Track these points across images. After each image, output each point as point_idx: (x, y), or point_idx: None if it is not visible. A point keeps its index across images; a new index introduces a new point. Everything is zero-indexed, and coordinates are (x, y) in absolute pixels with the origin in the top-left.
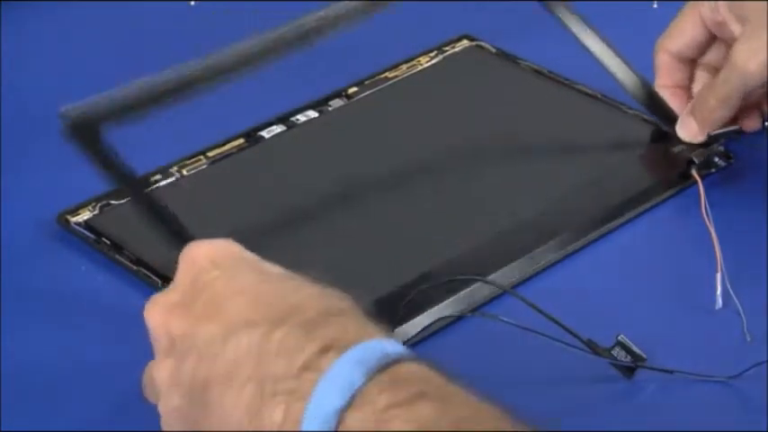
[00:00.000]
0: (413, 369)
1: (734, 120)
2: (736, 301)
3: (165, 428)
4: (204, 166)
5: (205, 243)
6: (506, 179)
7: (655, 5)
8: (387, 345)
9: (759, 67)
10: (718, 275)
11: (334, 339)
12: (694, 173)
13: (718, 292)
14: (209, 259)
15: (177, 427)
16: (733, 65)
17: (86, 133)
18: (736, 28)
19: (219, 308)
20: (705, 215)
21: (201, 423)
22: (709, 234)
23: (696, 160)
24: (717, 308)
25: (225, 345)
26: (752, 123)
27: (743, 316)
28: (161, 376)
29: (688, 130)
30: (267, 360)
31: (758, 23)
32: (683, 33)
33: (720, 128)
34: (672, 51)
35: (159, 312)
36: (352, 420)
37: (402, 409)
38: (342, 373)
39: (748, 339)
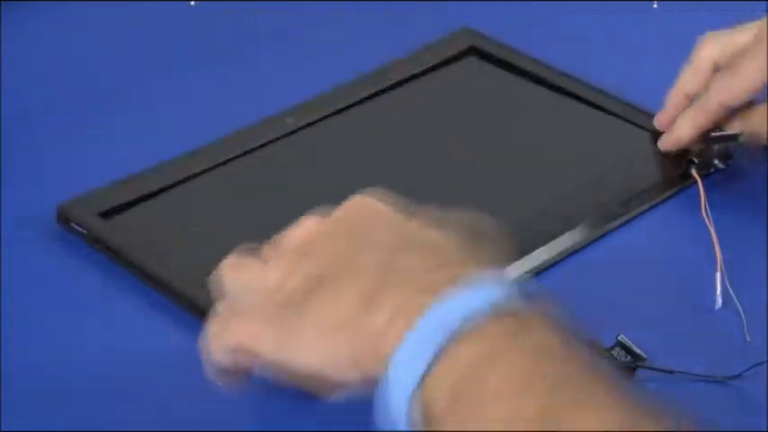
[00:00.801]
0: (532, 311)
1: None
2: (736, 302)
3: (240, 329)
4: (200, 172)
5: (373, 195)
6: (506, 181)
7: (655, 5)
8: (517, 289)
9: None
10: (718, 275)
11: (477, 271)
12: (694, 173)
13: (718, 291)
14: (373, 209)
15: (266, 312)
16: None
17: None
18: None
19: (367, 234)
20: (705, 215)
21: (293, 326)
22: (709, 234)
23: (696, 160)
24: (717, 308)
25: (356, 256)
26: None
27: (743, 316)
28: (269, 274)
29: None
30: (394, 273)
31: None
32: (743, 89)
33: (719, 131)
34: (727, 105)
35: (306, 227)
36: (469, 341)
37: (516, 341)
38: (463, 303)
39: (748, 339)
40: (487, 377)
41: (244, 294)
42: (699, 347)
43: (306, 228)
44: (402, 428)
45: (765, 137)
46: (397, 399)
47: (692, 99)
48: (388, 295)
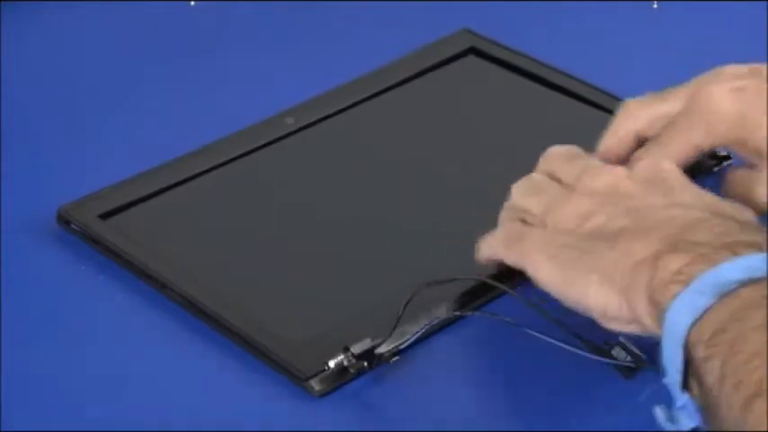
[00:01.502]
0: None
1: None
2: None
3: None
4: (201, 173)
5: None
6: (506, 181)
7: (655, 5)
8: None
9: None
10: None
11: (761, 242)
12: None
13: None
14: (672, 173)
15: (551, 248)
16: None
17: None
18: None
19: (673, 190)
20: None
21: (589, 254)
22: None
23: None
24: None
25: (661, 210)
26: None
27: None
28: (573, 209)
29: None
30: (697, 230)
31: None
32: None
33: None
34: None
35: (616, 175)
36: (742, 293)
37: None
38: (756, 261)
39: None
40: (752, 316)
41: (541, 214)
42: None
43: (614, 174)
44: (678, 368)
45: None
46: (673, 338)
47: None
48: (675, 252)
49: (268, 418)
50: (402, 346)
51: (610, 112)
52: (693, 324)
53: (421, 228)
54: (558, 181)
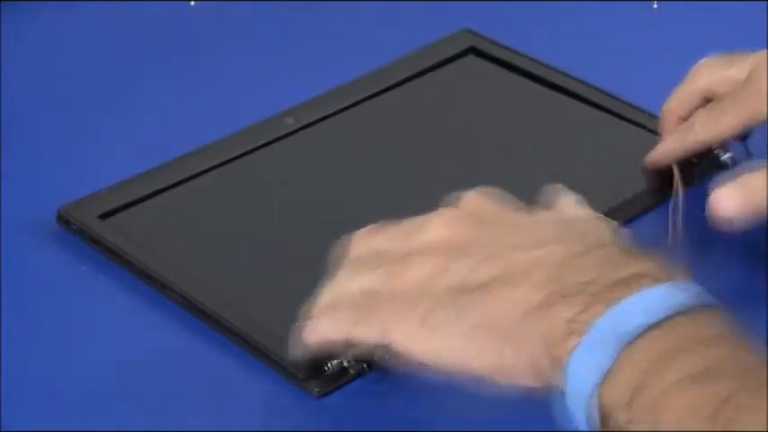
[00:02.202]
0: (718, 317)
1: None
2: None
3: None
4: (201, 172)
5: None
6: (506, 181)
7: (655, 5)
8: (694, 292)
9: None
10: None
11: (650, 271)
12: (675, 175)
13: None
14: (497, 198)
15: (418, 313)
16: None
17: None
18: None
19: (522, 229)
20: (673, 221)
21: (465, 312)
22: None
23: (695, 160)
24: None
25: (528, 252)
26: None
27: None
28: (423, 268)
29: (725, 203)
30: (577, 269)
31: None
32: (722, 131)
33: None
34: (708, 143)
35: (448, 220)
36: (649, 339)
37: (701, 345)
38: (649, 301)
39: None
40: (671, 367)
41: (383, 288)
42: None
43: (443, 224)
44: (583, 428)
45: None
46: (578, 397)
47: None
48: (564, 297)
49: (268, 419)
50: None
51: (610, 112)
52: (602, 383)
53: None
54: (383, 253)
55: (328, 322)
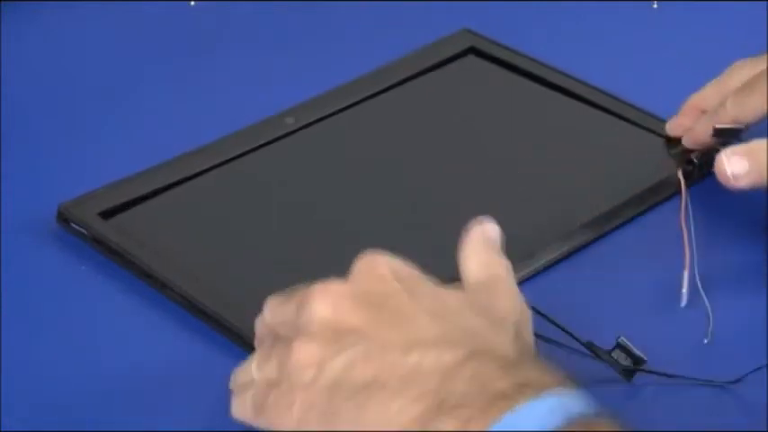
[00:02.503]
0: (606, 427)
1: None
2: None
3: (274, 411)
4: (201, 172)
5: (385, 254)
6: (506, 181)
7: (655, 5)
8: (583, 399)
9: None
10: (686, 273)
11: (533, 380)
12: (679, 175)
13: (684, 290)
14: (389, 269)
15: (294, 412)
16: None
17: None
18: None
19: (406, 321)
20: (683, 217)
21: (339, 418)
22: (683, 240)
23: (695, 160)
24: (682, 305)
25: (406, 355)
26: None
27: (710, 317)
28: (300, 357)
29: (733, 168)
30: (456, 380)
31: None
32: (759, 109)
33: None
34: (740, 121)
35: (333, 300)
36: None
37: None
38: (535, 413)
39: (705, 342)
40: None
41: (279, 375)
42: (699, 350)
43: (332, 301)
44: None
45: None
46: None
47: (704, 113)
48: (443, 412)
49: None
50: None
51: (610, 112)
52: None
53: (420, 227)
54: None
55: (236, 405)
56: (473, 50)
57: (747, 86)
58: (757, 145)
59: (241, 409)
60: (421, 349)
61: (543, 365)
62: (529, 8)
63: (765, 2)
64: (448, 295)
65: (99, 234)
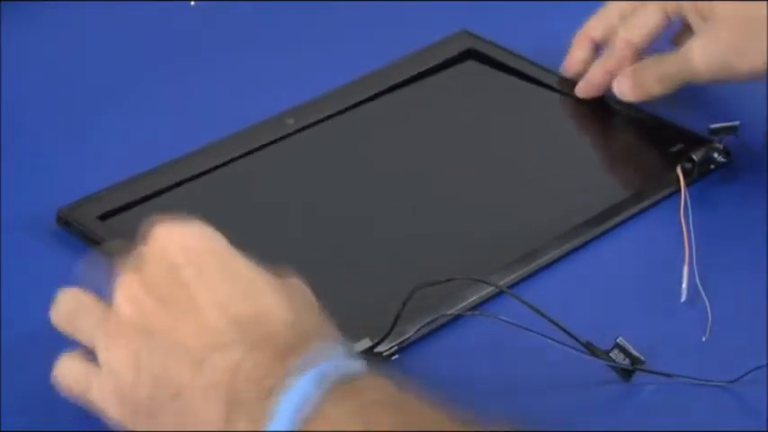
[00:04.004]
0: (370, 383)
1: None
2: (706, 301)
3: (99, 394)
4: (200, 173)
5: (176, 228)
6: (505, 182)
7: None
8: (347, 362)
9: (706, 67)
10: (686, 269)
11: (302, 360)
12: (678, 172)
13: (684, 285)
14: (180, 249)
15: (117, 400)
16: (683, 55)
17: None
18: (696, 25)
19: (197, 317)
20: (682, 217)
21: (159, 411)
22: (682, 238)
23: (695, 158)
24: (682, 300)
25: (201, 366)
26: None
27: (709, 315)
28: (120, 350)
29: (621, 87)
30: (240, 383)
31: (719, 25)
32: (646, 25)
33: (718, 123)
34: (633, 42)
35: (127, 298)
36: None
37: (358, 416)
38: (300, 391)
39: (704, 339)
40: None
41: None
42: (698, 350)
43: (126, 297)
44: None
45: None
46: None
47: (596, 45)
48: (240, 421)
49: None
50: (401, 346)
51: (609, 112)
52: None
53: (420, 228)
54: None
55: (62, 372)
56: (472, 52)
57: (633, 10)
58: (640, 65)
59: (67, 375)
60: (211, 356)
61: (313, 332)
62: (527, 9)
63: (765, 1)
64: (238, 263)
65: (99, 236)
